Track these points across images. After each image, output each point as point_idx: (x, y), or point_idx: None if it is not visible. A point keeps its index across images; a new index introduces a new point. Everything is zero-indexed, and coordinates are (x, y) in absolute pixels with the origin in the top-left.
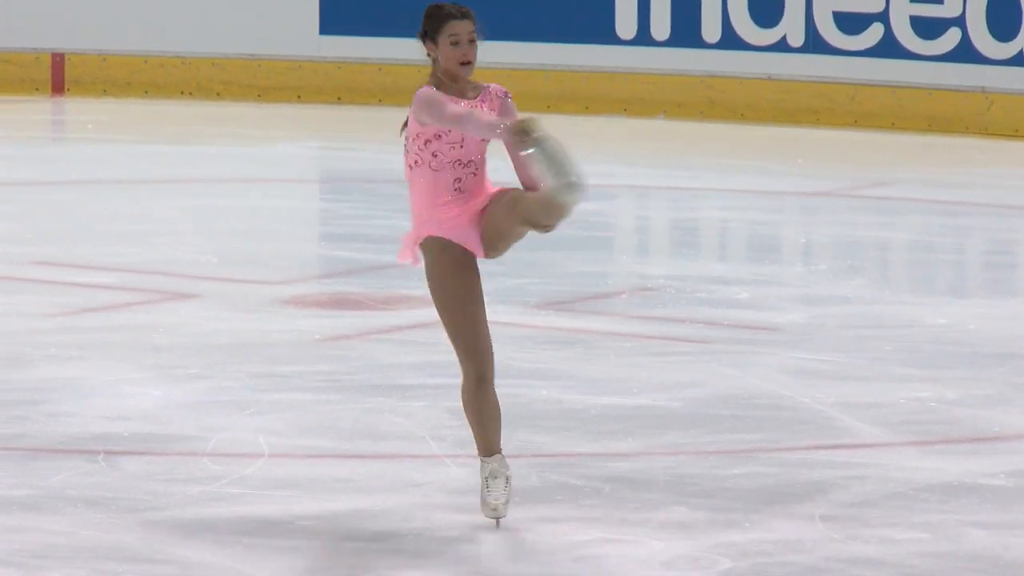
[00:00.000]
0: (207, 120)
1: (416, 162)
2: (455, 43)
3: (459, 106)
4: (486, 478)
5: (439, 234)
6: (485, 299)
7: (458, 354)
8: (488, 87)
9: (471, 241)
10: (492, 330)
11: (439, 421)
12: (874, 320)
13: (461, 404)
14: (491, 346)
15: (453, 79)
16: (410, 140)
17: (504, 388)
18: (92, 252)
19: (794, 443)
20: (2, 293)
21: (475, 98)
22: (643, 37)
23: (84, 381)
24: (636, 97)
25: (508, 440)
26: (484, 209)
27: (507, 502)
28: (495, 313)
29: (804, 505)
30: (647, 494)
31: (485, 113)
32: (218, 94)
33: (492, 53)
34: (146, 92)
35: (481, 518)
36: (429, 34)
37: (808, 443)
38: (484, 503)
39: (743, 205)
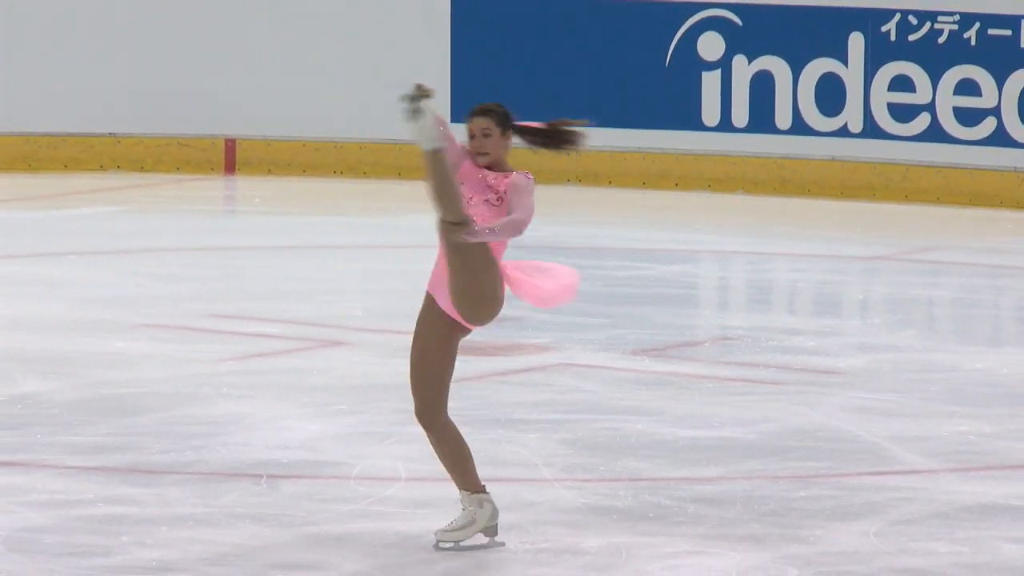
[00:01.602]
0: (355, 195)
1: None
2: (471, 136)
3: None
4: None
5: (428, 287)
6: (590, 346)
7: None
8: (512, 176)
9: (440, 294)
10: (595, 374)
11: (551, 450)
12: (922, 365)
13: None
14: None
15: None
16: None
17: (605, 422)
18: (258, 307)
19: (852, 470)
20: (184, 342)
21: (499, 172)
22: (725, 124)
23: (251, 416)
24: (719, 176)
25: (610, 467)
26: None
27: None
28: (598, 359)
29: (860, 523)
30: (726, 513)
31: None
32: (365, 173)
33: (600, 138)
34: (304, 171)
35: (587, 530)
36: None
37: (864, 470)
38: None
39: (810, 267)
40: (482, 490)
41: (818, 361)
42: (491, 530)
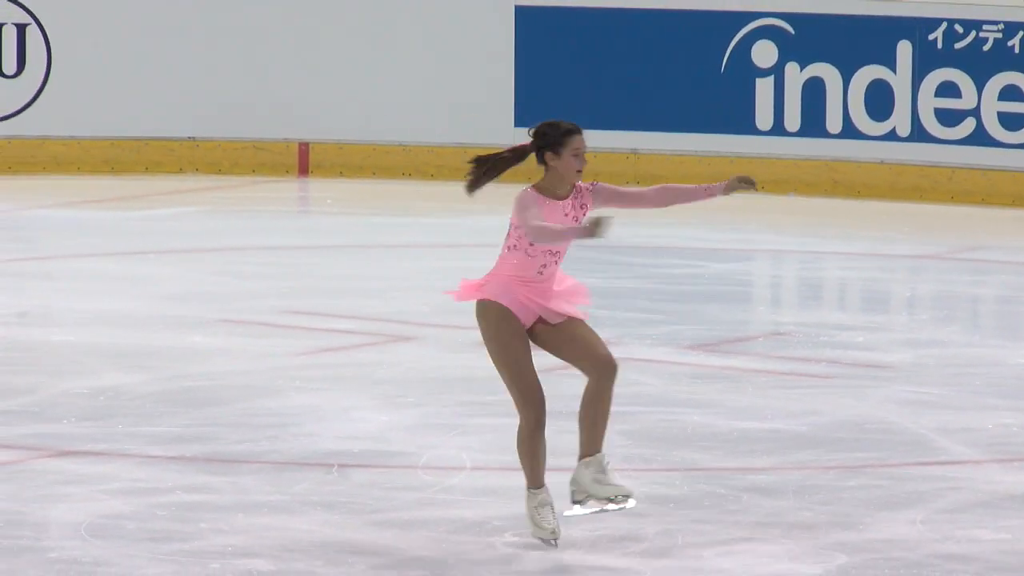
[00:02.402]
0: (423, 197)
1: (514, 246)
2: (576, 155)
3: (540, 220)
4: (536, 507)
5: (507, 304)
6: (648, 341)
7: (517, 403)
8: (579, 185)
9: (527, 321)
10: (653, 368)
11: (610, 441)
12: (967, 360)
13: (517, 444)
14: (543, 396)
15: (560, 184)
16: (512, 228)
17: (662, 414)
18: (330, 303)
19: (900, 460)
20: (260, 336)
21: (567, 196)
22: (778, 128)
23: (323, 408)
24: (772, 178)
25: (667, 457)
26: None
27: (558, 524)
28: (656, 354)
29: (907, 511)
30: (778, 501)
31: (556, 226)
32: (432, 175)
33: (657, 141)
34: (374, 174)
35: (647, 518)
36: (552, 146)
37: (911, 460)
38: (539, 527)
39: (859, 266)
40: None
41: (867, 356)
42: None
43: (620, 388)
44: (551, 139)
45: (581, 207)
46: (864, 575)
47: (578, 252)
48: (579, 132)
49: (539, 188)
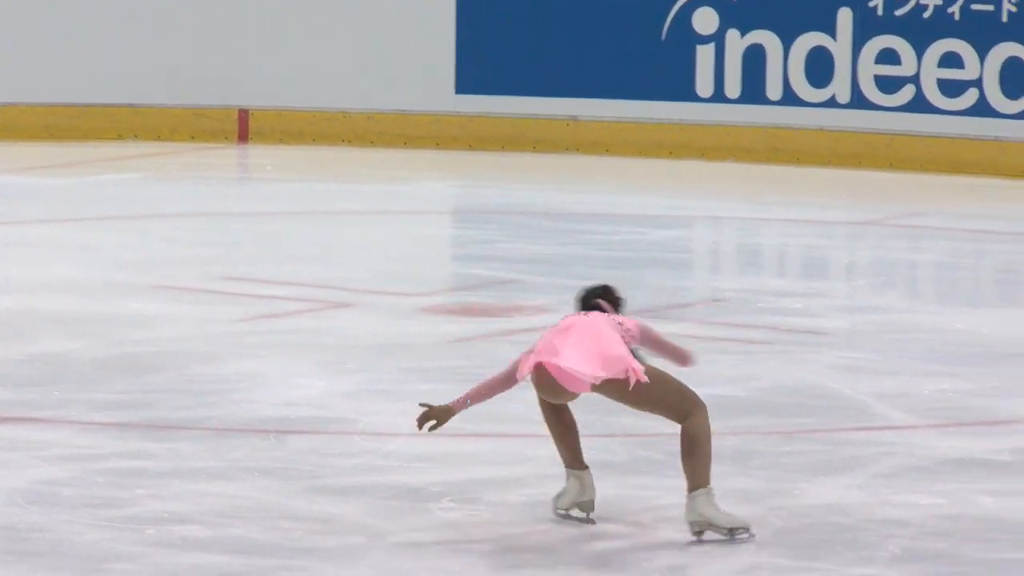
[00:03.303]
0: (363, 164)
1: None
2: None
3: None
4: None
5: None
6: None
7: (688, 406)
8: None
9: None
10: None
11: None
12: (905, 326)
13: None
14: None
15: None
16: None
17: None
18: (270, 270)
19: (837, 425)
20: (200, 303)
21: None
22: (718, 96)
23: (263, 374)
24: (712, 145)
25: (607, 423)
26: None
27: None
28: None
29: (844, 476)
30: (717, 467)
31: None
32: (372, 142)
33: (597, 108)
34: (314, 140)
35: None
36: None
37: (849, 426)
38: (732, 517)
39: (799, 232)
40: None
41: (806, 322)
42: (586, 505)
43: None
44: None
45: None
46: (801, 540)
47: (518, 219)
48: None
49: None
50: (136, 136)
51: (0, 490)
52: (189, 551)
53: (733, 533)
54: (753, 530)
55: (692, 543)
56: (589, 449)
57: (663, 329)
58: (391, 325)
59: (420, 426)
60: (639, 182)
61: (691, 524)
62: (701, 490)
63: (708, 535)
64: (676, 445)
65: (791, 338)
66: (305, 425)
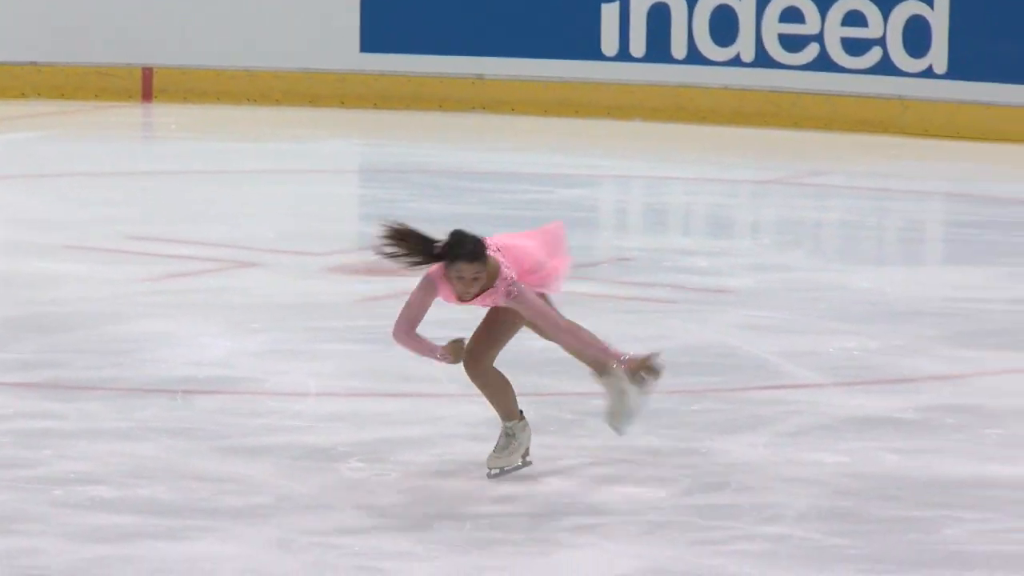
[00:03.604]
0: (268, 123)
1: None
2: (460, 278)
3: (414, 315)
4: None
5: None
6: None
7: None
8: (500, 282)
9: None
10: None
11: (456, 367)
12: (810, 284)
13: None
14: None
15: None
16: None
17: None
18: (175, 229)
19: (743, 384)
20: (104, 263)
21: (475, 297)
22: (623, 54)
23: (170, 334)
24: (617, 103)
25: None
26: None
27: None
28: None
29: (750, 435)
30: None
31: (421, 343)
32: (277, 101)
33: (502, 67)
34: (219, 99)
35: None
36: (446, 260)
37: (754, 384)
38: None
39: (704, 191)
40: (520, 417)
41: (711, 280)
42: (526, 452)
43: (466, 313)
44: (447, 251)
45: (490, 297)
46: (708, 499)
47: (424, 178)
48: (467, 258)
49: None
50: (40, 95)
51: None
52: (96, 511)
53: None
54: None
55: (600, 504)
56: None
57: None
58: (298, 284)
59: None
60: (545, 141)
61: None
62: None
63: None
64: (583, 405)
65: (697, 297)
66: (213, 385)
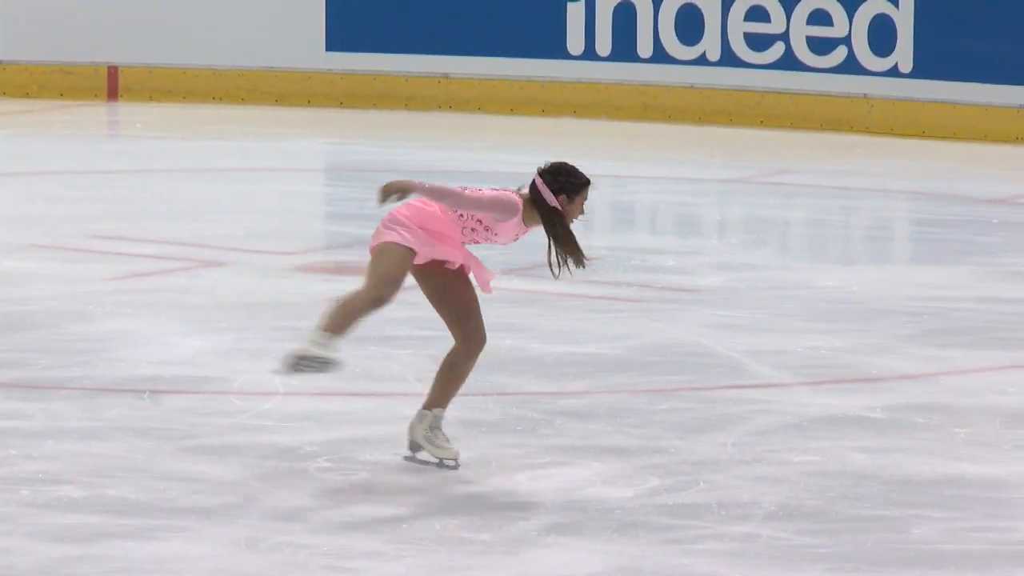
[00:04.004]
0: (234, 121)
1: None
2: (584, 203)
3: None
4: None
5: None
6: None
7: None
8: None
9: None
10: None
11: (422, 366)
12: (777, 283)
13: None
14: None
15: (533, 218)
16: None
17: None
18: (141, 228)
19: (711, 383)
20: (69, 262)
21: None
22: (589, 53)
23: (136, 333)
24: (584, 102)
25: (480, 382)
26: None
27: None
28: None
29: (718, 434)
30: (591, 425)
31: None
32: (243, 99)
33: (469, 65)
34: (184, 98)
35: (457, 443)
36: (568, 190)
37: (722, 383)
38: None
39: (671, 189)
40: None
41: (678, 279)
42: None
43: (431, 312)
44: (569, 182)
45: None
46: (676, 498)
47: (390, 177)
48: (591, 185)
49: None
50: (4, 93)
51: None
52: (63, 511)
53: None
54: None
55: (568, 503)
56: (464, 408)
57: (534, 288)
58: (264, 283)
59: (382, 201)
60: (511, 139)
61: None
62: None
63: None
64: (551, 404)
65: (664, 296)
66: (179, 384)
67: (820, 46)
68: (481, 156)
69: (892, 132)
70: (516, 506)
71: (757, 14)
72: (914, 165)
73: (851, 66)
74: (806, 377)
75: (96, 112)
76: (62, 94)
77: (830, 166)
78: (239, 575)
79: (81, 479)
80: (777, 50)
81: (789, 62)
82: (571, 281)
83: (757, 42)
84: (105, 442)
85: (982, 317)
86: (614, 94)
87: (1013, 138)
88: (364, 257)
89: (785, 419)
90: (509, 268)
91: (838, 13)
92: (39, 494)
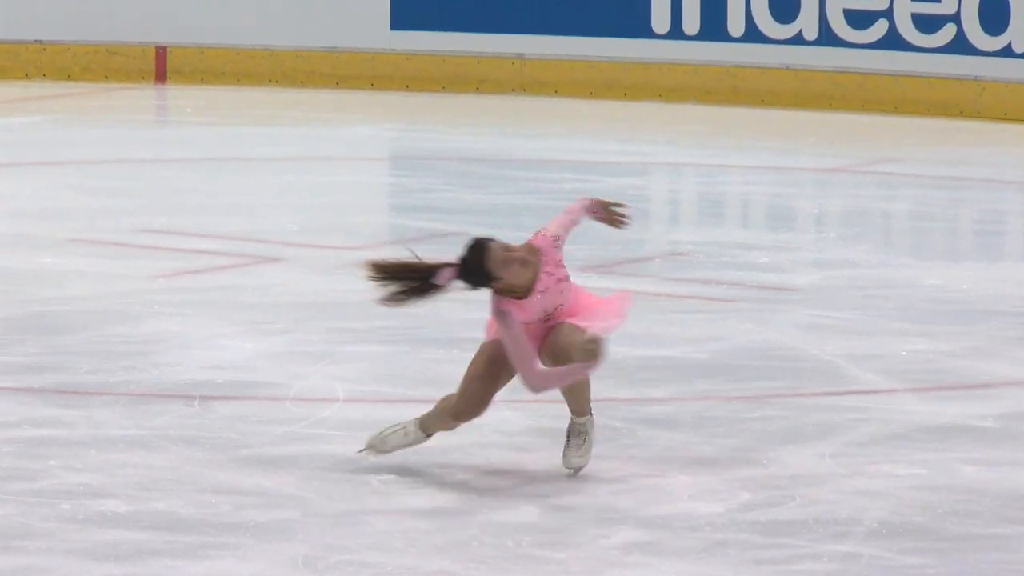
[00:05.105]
0: (291, 105)
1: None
2: (513, 262)
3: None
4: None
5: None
6: None
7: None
8: (535, 245)
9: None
10: None
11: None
12: (878, 281)
13: None
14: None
15: (517, 288)
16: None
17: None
18: (191, 222)
19: (807, 390)
20: (114, 258)
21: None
22: (676, 32)
23: (184, 335)
24: (670, 85)
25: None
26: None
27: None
28: None
29: (815, 444)
30: (677, 435)
31: (557, 370)
32: (301, 82)
33: (545, 45)
34: (238, 80)
35: (532, 453)
36: (486, 281)
37: (819, 390)
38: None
39: (763, 180)
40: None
41: (771, 277)
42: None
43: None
44: (480, 279)
45: (557, 266)
46: (769, 514)
47: (459, 166)
48: (491, 247)
49: (501, 292)
50: (44, 75)
51: None
52: (107, 527)
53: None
54: (722, 507)
55: (652, 519)
56: (539, 416)
57: (616, 286)
58: (321, 281)
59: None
60: (590, 125)
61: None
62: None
63: None
64: (633, 412)
65: (756, 295)
66: (231, 390)
67: (926, 24)
68: (557, 144)
69: (1004, 117)
70: (595, 522)
71: None
72: None
73: (960, 45)
74: (910, 383)
75: (143, 96)
76: (106, 76)
77: (936, 154)
78: None
79: (126, 492)
80: (880, 28)
81: (893, 41)
82: (656, 279)
83: (858, 20)
84: (152, 452)
85: None
86: (702, 76)
87: None
88: (429, 252)
89: (888, 428)
90: (588, 265)
91: None
92: (80, 508)
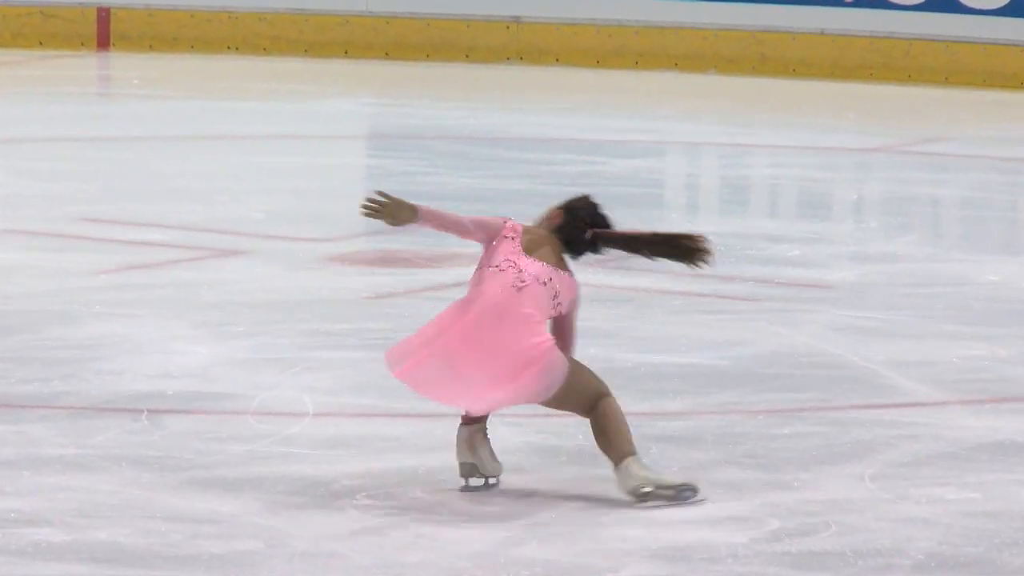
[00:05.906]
0: (254, 76)
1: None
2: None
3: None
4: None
5: None
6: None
7: (593, 399)
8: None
9: None
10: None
11: None
12: (925, 278)
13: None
14: None
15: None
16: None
17: None
18: (139, 209)
19: (844, 402)
20: (52, 251)
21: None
22: None
23: (131, 339)
24: (687, 52)
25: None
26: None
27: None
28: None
29: (853, 465)
30: (696, 453)
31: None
32: (265, 49)
33: (543, 8)
34: (192, 47)
35: (529, 474)
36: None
37: (858, 402)
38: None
39: (794, 162)
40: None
41: (802, 273)
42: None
43: None
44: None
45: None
46: (800, 544)
47: (447, 145)
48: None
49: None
50: None
51: None
52: (41, 559)
53: (680, 492)
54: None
55: (667, 550)
56: (537, 433)
57: (626, 283)
58: (291, 278)
59: (375, 214)
60: (597, 99)
61: (632, 491)
62: (630, 458)
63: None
64: (647, 427)
65: (786, 293)
66: (184, 403)
67: None
68: (559, 120)
69: None
70: (603, 553)
71: None
72: None
73: (1019, 7)
74: (962, 394)
75: (84, 65)
76: (42, 42)
77: (993, 132)
78: None
79: (63, 520)
80: None
81: (943, 2)
82: (673, 275)
83: None
84: (93, 474)
85: None
86: (725, 42)
87: None
88: (413, 245)
89: (937, 446)
90: (595, 258)
91: None
92: (12, 538)
